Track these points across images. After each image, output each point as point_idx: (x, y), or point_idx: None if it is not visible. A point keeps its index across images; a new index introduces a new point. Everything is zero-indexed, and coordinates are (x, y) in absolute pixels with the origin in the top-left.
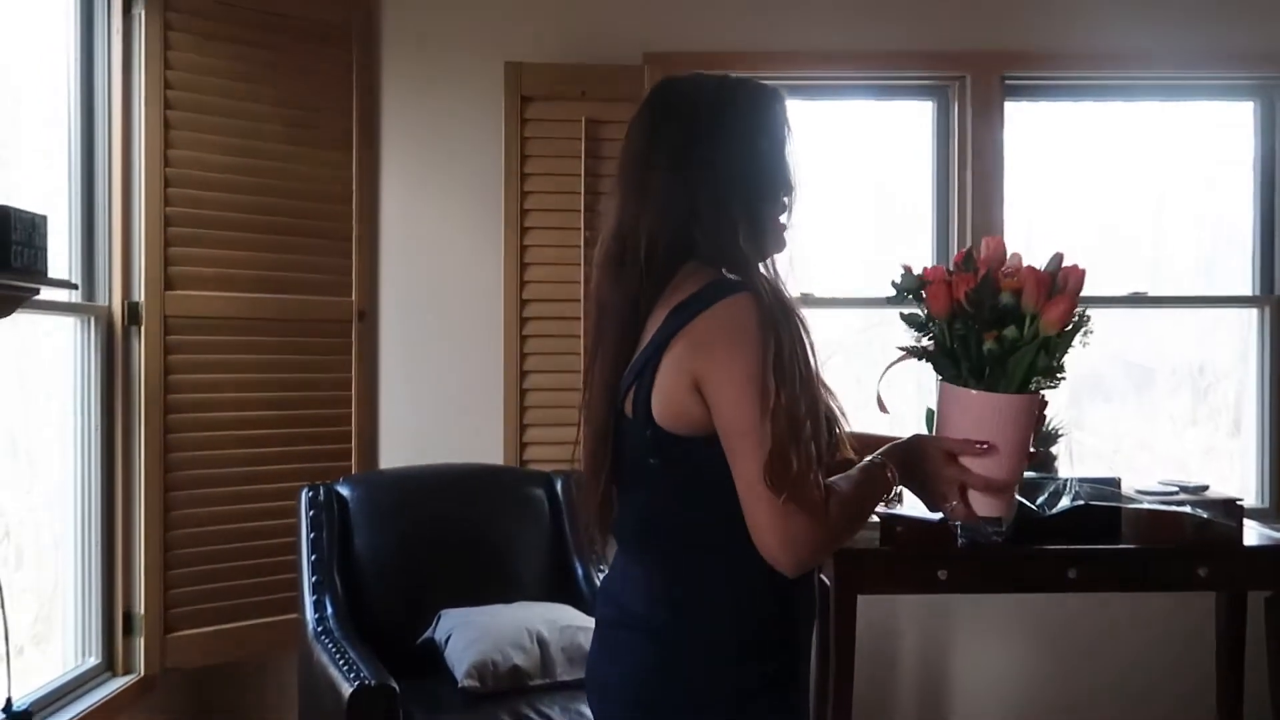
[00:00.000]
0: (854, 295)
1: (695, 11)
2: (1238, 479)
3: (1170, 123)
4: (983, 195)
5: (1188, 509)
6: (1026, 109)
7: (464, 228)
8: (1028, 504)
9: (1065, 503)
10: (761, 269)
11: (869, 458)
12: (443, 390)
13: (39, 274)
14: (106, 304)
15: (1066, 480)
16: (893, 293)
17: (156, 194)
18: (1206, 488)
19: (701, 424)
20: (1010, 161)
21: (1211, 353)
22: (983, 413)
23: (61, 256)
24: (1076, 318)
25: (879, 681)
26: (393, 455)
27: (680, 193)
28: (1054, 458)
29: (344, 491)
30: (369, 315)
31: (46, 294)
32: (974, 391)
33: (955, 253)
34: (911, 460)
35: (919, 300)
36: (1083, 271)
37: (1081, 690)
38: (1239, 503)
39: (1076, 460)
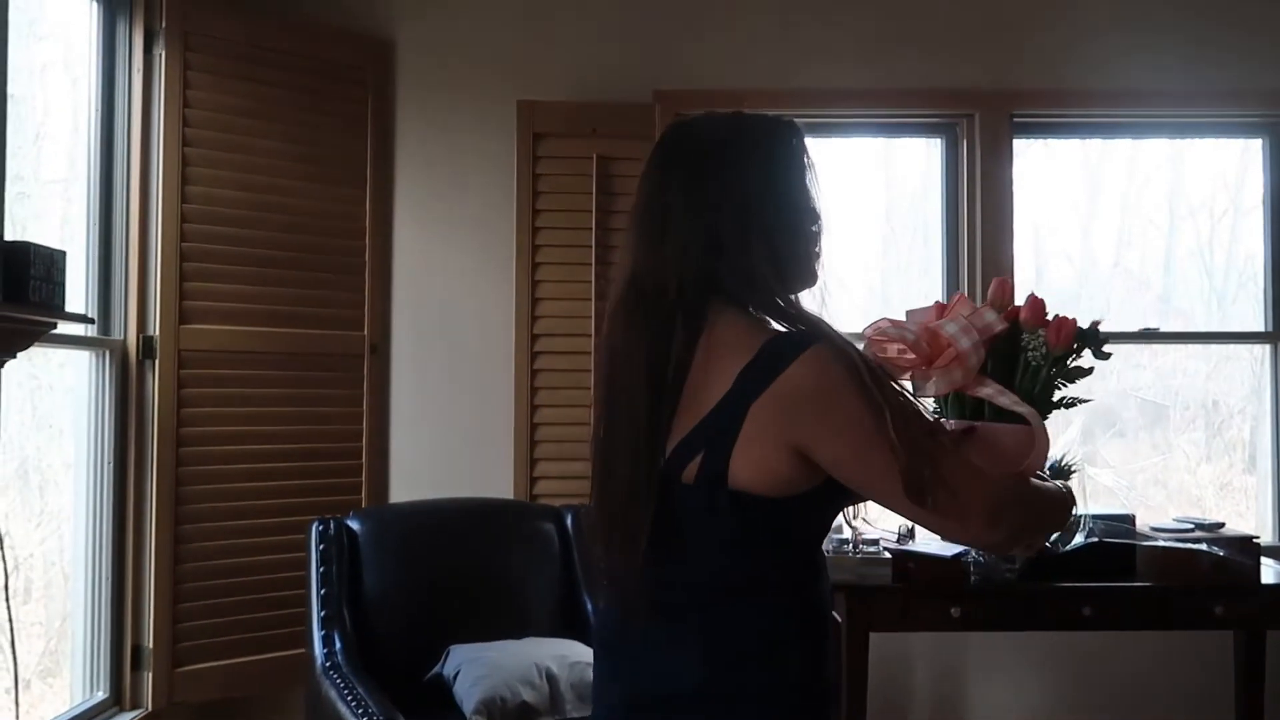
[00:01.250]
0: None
1: (705, 50)
2: (1253, 515)
3: (1180, 159)
4: (992, 232)
5: (1204, 546)
6: (1035, 146)
7: (476, 263)
8: None
9: (1080, 539)
10: (795, 303)
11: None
12: (453, 424)
13: (56, 309)
14: (122, 338)
15: (1081, 517)
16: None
17: (173, 229)
18: (1222, 525)
19: (798, 484)
20: (1020, 198)
21: (1225, 388)
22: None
23: (79, 290)
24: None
25: (892, 714)
26: (403, 489)
27: (701, 232)
28: None
29: (354, 526)
30: (381, 349)
31: (63, 328)
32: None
33: (965, 292)
34: None
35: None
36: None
37: None
38: (1255, 540)
39: (1090, 497)
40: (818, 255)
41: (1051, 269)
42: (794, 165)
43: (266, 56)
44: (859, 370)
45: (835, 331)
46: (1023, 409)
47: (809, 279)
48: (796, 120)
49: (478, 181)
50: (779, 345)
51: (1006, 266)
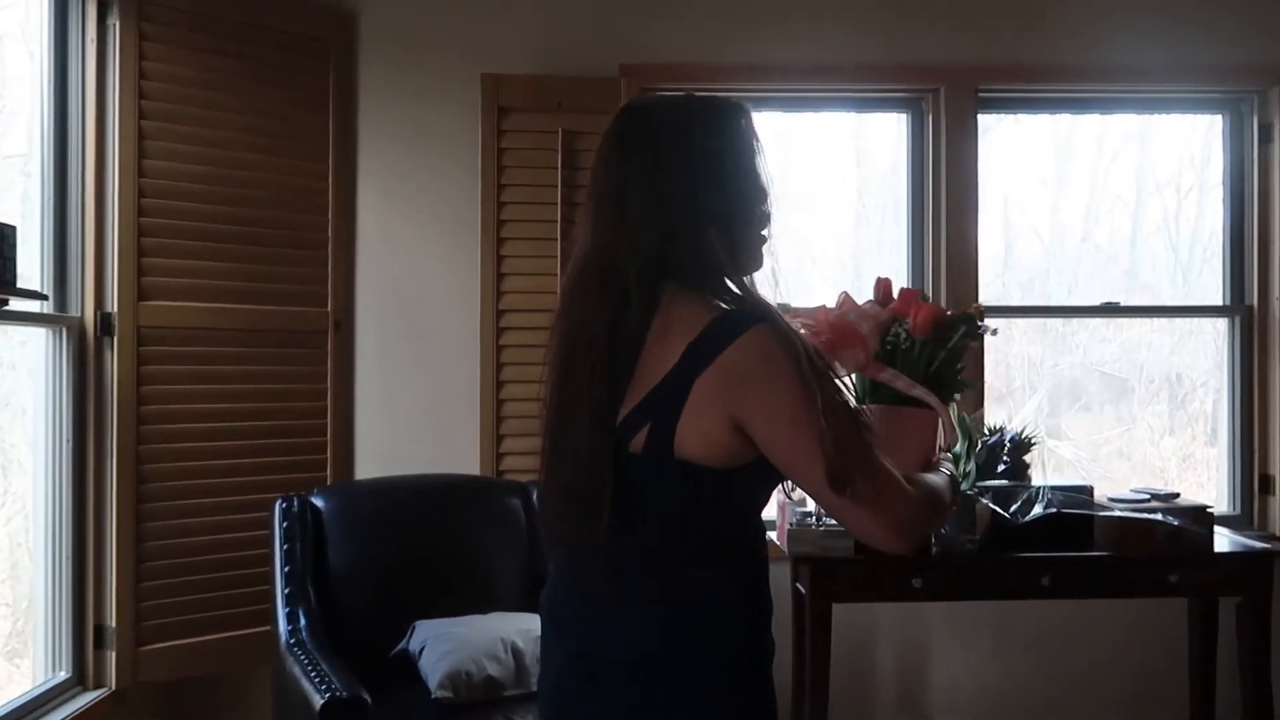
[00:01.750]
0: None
1: (670, 24)
2: (1214, 486)
3: (1148, 135)
4: (957, 206)
5: (1159, 516)
6: (1006, 122)
7: (440, 238)
8: (1001, 511)
9: (1038, 510)
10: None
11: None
12: (418, 401)
13: (8, 284)
14: (79, 315)
15: (1039, 488)
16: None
17: (130, 204)
18: (1177, 495)
19: (738, 455)
20: (989, 173)
21: (1189, 361)
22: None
23: (34, 267)
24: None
25: (854, 686)
26: (368, 466)
27: (656, 216)
28: (1027, 466)
29: (318, 503)
30: (344, 326)
31: (16, 304)
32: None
33: (930, 266)
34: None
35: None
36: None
37: (1056, 693)
38: (1209, 510)
39: (1054, 469)
40: (767, 235)
41: (1020, 244)
42: (743, 147)
43: (225, 27)
44: (798, 354)
45: (780, 315)
46: (917, 391)
47: (758, 260)
48: (759, 99)
49: (442, 155)
50: (725, 323)
51: (972, 242)
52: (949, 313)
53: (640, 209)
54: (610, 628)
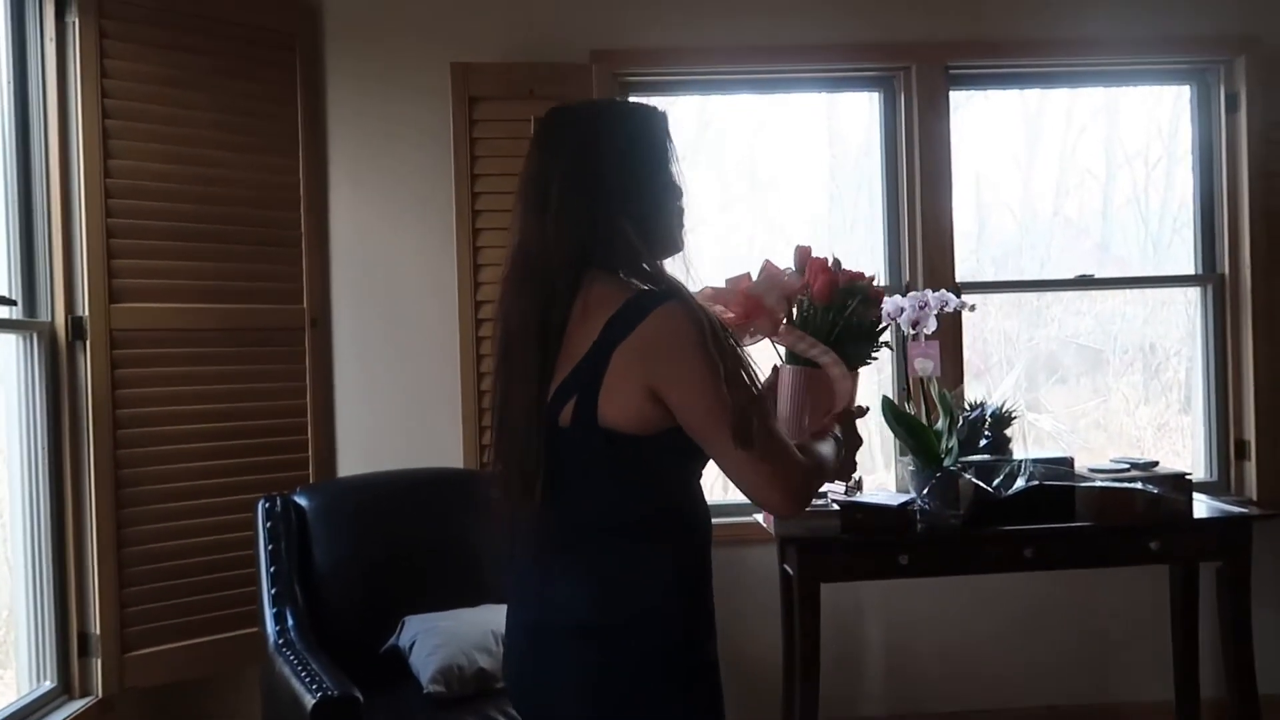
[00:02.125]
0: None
1: (641, 8)
2: (1189, 454)
3: (1115, 108)
4: (931, 185)
5: (1139, 485)
6: (976, 98)
7: (415, 230)
8: (984, 486)
9: (1020, 484)
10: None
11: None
12: (400, 395)
13: None
14: (49, 320)
15: (1021, 462)
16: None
17: (97, 205)
18: (1156, 464)
19: (656, 423)
20: (960, 150)
21: (1162, 331)
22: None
23: (0, 272)
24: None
25: (845, 664)
26: (351, 463)
27: (577, 214)
28: (1009, 440)
29: (301, 502)
30: (321, 322)
31: None
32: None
33: (906, 244)
34: (845, 436)
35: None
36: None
37: (1043, 662)
38: (1187, 477)
39: (1034, 442)
40: (682, 226)
41: (993, 220)
42: (657, 149)
43: (187, 22)
44: (704, 329)
45: (690, 294)
46: (816, 351)
47: (675, 247)
48: (730, 81)
49: (414, 147)
50: (640, 300)
51: (946, 219)
52: (841, 284)
53: (561, 205)
54: (550, 597)
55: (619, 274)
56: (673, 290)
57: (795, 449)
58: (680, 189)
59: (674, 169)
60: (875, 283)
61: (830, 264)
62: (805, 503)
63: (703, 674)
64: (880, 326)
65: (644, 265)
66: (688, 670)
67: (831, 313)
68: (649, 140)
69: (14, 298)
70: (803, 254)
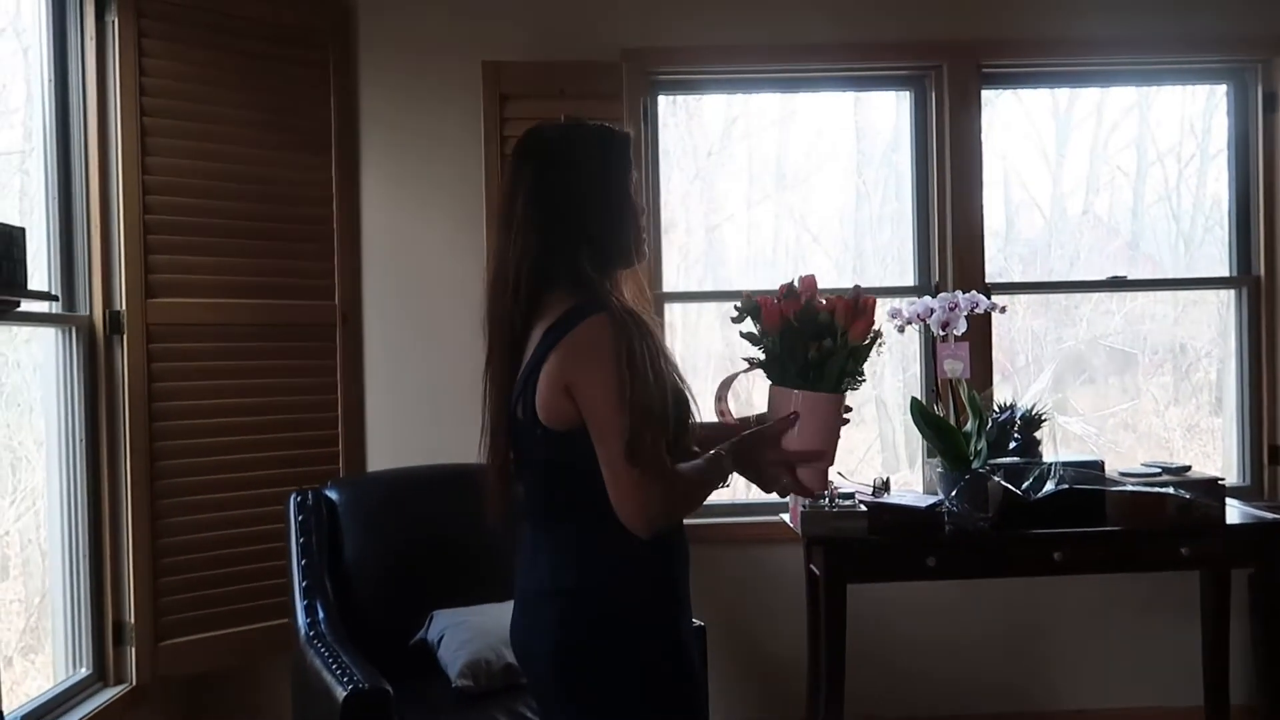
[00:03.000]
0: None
1: (671, 7)
2: (1219, 456)
3: (1148, 106)
4: (961, 183)
5: (1170, 490)
6: (1005, 96)
7: (446, 227)
8: (1013, 489)
9: (1050, 487)
10: (623, 283)
11: (715, 449)
12: (429, 391)
13: (18, 287)
14: (88, 314)
15: (1051, 465)
16: (735, 315)
17: (135, 202)
18: (1189, 468)
19: (573, 419)
20: (990, 148)
21: (1193, 331)
22: (807, 407)
23: (40, 267)
24: (874, 334)
25: (870, 665)
26: (380, 458)
27: (537, 225)
28: (1038, 442)
29: (332, 495)
30: (352, 318)
31: (26, 305)
32: (797, 391)
33: (936, 244)
34: (746, 451)
35: (756, 319)
36: (874, 300)
37: (1072, 666)
38: (1220, 482)
39: (1063, 444)
40: (640, 242)
41: (1021, 218)
42: (616, 171)
43: (223, 21)
44: (622, 342)
45: (624, 312)
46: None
47: (628, 260)
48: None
49: (445, 144)
50: (574, 311)
51: (976, 219)
52: (794, 319)
53: (524, 221)
54: (530, 568)
55: (570, 286)
56: (604, 304)
57: (673, 480)
58: (639, 206)
59: (632, 192)
60: (855, 294)
61: (781, 295)
62: (657, 528)
63: (653, 636)
64: (841, 357)
65: (590, 279)
66: (636, 632)
67: (787, 341)
68: (607, 161)
69: (54, 293)
70: (810, 283)
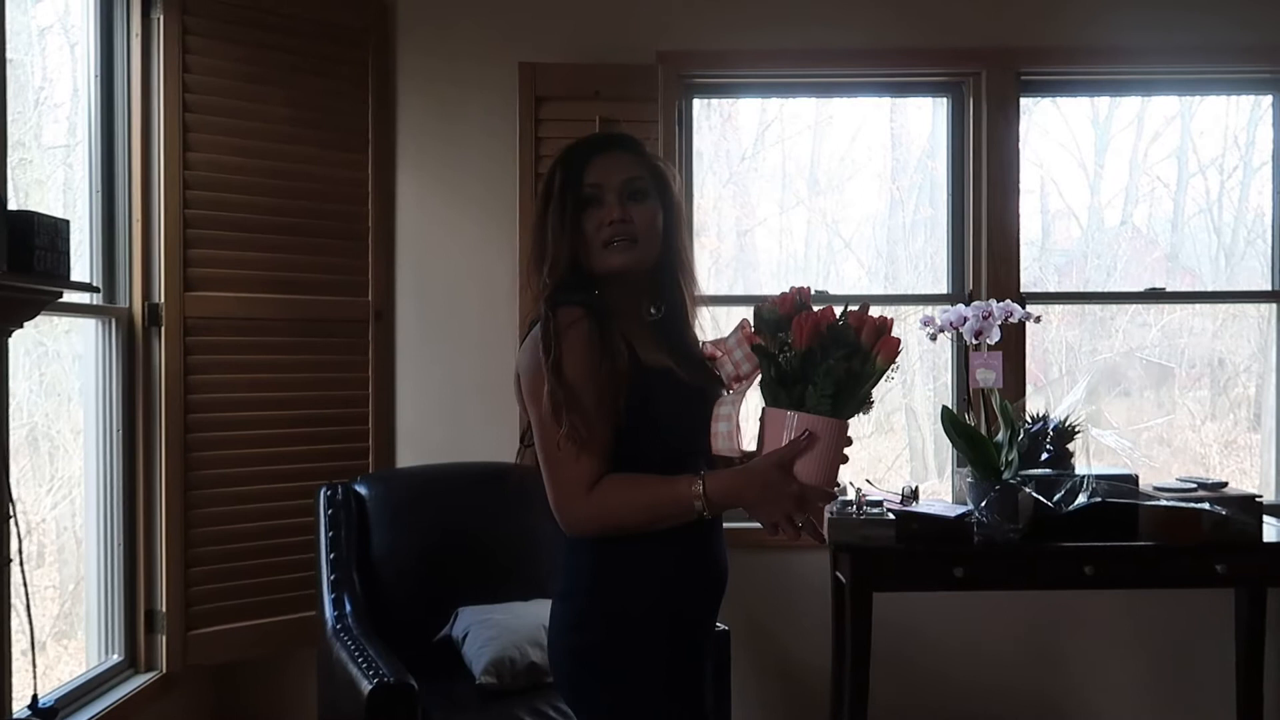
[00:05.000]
0: (867, 292)
1: (708, 10)
2: (1257, 473)
3: (1190, 116)
4: (998, 191)
5: (1206, 506)
6: (1044, 104)
7: (479, 227)
8: (1044, 501)
9: (1082, 499)
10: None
11: (697, 473)
12: (459, 389)
13: (61, 278)
14: (127, 306)
15: (1084, 477)
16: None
17: (175, 196)
18: (1225, 484)
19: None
20: (1027, 156)
21: (1232, 346)
22: (821, 432)
23: (82, 259)
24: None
25: (895, 674)
26: (409, 454)
27: (527, 252)
28: (1070, 454)
29: (362, 490)
30: (385, 315)
31: (68, 296)
32: (793, 414)
33: (970, 252)
34: (746, 476)
35: (778, 331)
36: (892, 320)
37: (1100, 681)
38: (1258, 499)
39: (1095, 456)
40: (580, 253)
41: (1058, 228)
42: (550, 191)
43: (265, 19)
44: (557, 351)
45: (553, 324)
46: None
47: (572, 269)
48: (795, 84)
49: (480, 145)
50: (532, 325)
51: (1012, 228)
52: (823, 331)
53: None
54: (559, 569)
55: (541, 295)
56: (542, 320)
57: (611, 483)
58: (573, 219)
59: (551, 219)
60: (876, 317)
61: (795, 300)
62: (582, 530)
63: (641, 633)
64: (868, 381)
65: (550, 286)
66: (640, 638)
67: (803, 359)
68: (549, 184)
69: (96, 284)
70: (802, 295)
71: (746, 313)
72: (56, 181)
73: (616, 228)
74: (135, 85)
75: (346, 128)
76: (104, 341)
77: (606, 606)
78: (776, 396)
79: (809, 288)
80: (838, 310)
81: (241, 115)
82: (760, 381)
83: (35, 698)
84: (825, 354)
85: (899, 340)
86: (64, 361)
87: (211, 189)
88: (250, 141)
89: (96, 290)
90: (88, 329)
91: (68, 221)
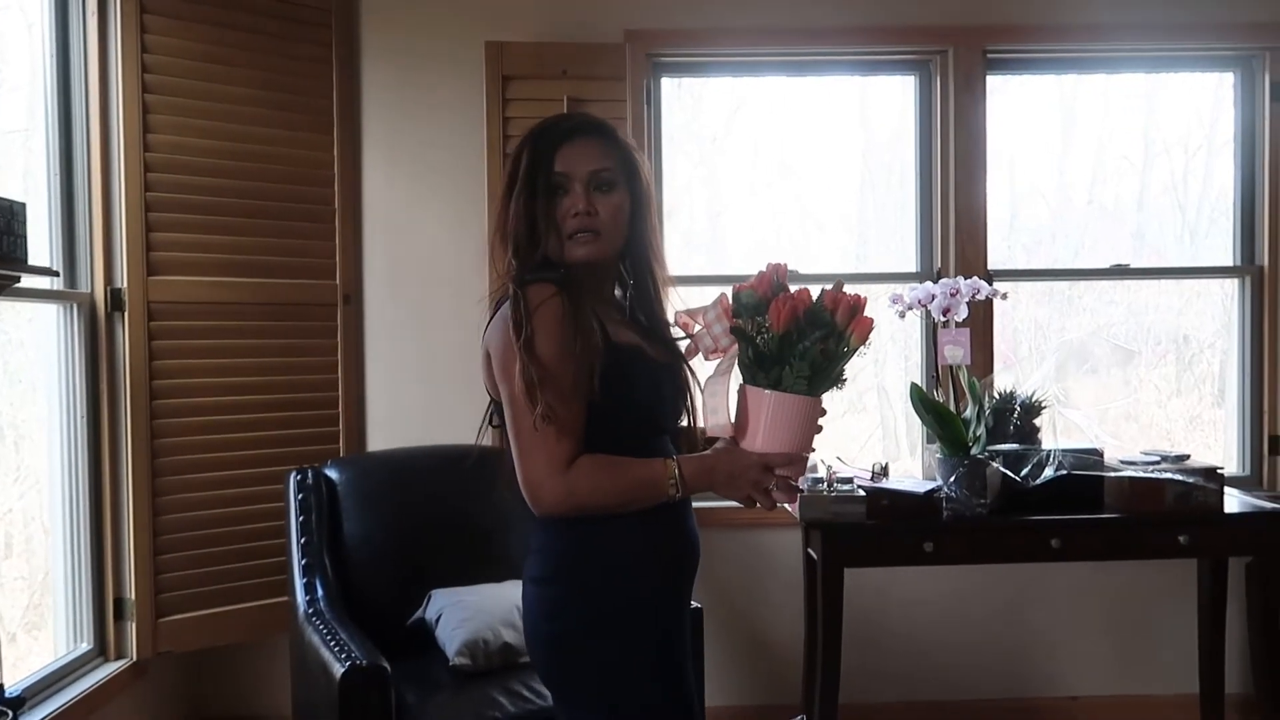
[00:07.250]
0: (838, 271)
1: None
2: (1221, 448)
3: (1155, 94)
4: (965, 168)
5: (1169, 477)
6: (1011, 83)
7: (447, 208)
8: (1012, 475)
9: (1049, 473)
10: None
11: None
12: (429, 371)
13: (19, 262)
14: (89, 291)
15: (1050, 452)
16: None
17: (137, 179)
18: (1188, 457)
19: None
20: (994, 135)
21: (1196, 323)
22: (794, 410)
23: (42, 243)
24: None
25: (866, 648)
26: (380, 437)
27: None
28: (1037, 430)
29: (332, 474)
30: (354, 298)
31: (27, 281)
32: (770, 392)
33: (939, 230)
34: (721, 463)
35: (757, 315)
36: (865, 299)
37: (1066, 652)
38: (1219, 471)
39: (1062, 433)
40: (542, 233)
41: (1026, 206)
42: (513, 173)
43: None
44: (529, 327)
45: (522, 301)
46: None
47: (542, 252)
48: (762, 63)
49: (447, 125)
50: (500, 303)
51: (980, 205)
52: (801, 315)
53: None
54: (529, 551)
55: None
56: (512, 296)
57: (586, 463)
58: (541, 205)
59: (513, 202)
60: (846, 293)
61: (773, 279)
62: (551, 509)
63: (618, 617)
64: (842, 360)
65: (511, 272)
66: (617, 619)
67: (780, 341)
68: (515, 165)
69: (55, 269)
70: (780, 271)
71: (718, 292)
72: (15, 166)
73: (581, 219)
74: (93, 66)
75: (311, 108)
76: (66, 327)
77: (583, 592)
78: (754, 376)
79: (785, 265)
80: (815, 291)
81: (203, 96)
82: (738, 360)
83: (2, 687)
84: (802, 336)
85: (873, 320)
86: (27, 350)
87: (174, 171)
88: (213, 123)
89: (56, 274)
90: (49, 315)
91: (24, 204)
